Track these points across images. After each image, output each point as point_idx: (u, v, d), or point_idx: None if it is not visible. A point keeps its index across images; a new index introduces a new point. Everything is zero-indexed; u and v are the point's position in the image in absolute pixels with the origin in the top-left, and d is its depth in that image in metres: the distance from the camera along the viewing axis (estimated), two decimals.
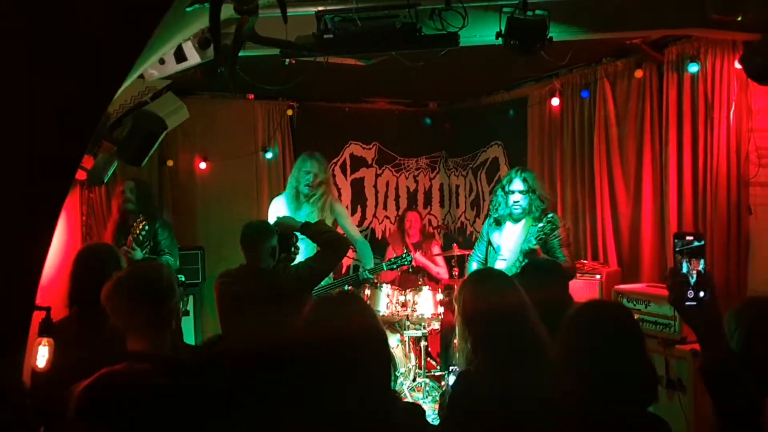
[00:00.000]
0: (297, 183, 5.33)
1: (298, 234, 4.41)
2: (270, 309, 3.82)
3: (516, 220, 4.87)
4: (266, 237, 4.08)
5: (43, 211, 1.54)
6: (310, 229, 4.37)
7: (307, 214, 5.18)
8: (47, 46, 1.47)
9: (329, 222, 5.26)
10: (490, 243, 5.02)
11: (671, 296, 1.80)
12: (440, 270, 6.85)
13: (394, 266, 5.69)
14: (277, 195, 5.72)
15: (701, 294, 1.77)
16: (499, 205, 4.92)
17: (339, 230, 5.39)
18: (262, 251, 4.04)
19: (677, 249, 1.81)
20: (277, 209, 5.35)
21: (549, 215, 4.69)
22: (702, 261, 1.79)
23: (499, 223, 4.97)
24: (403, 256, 5.70)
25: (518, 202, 4.81)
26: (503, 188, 4.91)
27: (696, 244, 1.79)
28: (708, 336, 1.82)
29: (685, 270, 1.78)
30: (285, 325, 3.81)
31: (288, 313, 3.86)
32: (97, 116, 1.55)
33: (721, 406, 1.81)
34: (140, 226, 4.68)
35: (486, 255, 5.07)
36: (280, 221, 4.45)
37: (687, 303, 1.78)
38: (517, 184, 4.82)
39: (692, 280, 1.78)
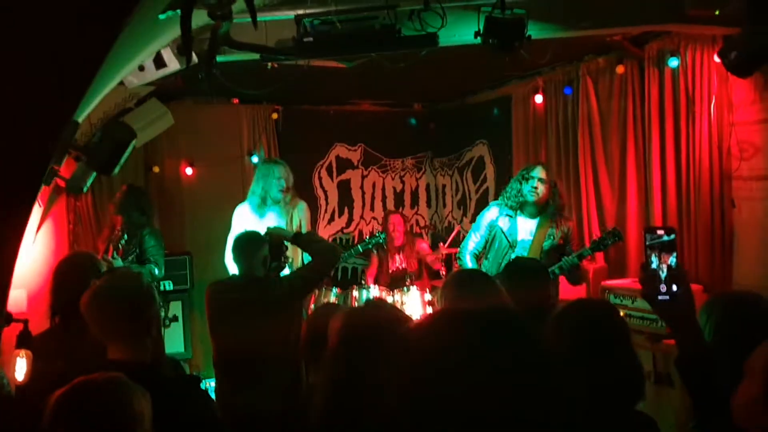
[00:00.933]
0: (265, 190, 5.28)
1: (287, 243, 4.41)
2: (262, 317, 3.82)
3: (531, 214, 4.80)
4: (258, 246, 4.08)
5: (7, 220, 1.52)
6: (301, 239, 4.37)
7: (274, 218, 5.22)
8: (6, 50, 1.45)
9: (296, 224, 5.28)
10: (502, 233, 4.82)
11: (643, 291, 1.81)
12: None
13: (370, 246, 5.90)
14: None
15: (674, 288, 1.78)
16: (517, 191, 4.79)
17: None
18: (255, 260, 4.04)
19: (647, 243, 1.81)
20: (241, 216, 5.35)
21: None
22: (673, 255, 1.79)
23: (513, 212, 4.83)
24: (376, 235, 5.89)
25: (537, 188, 4.72)
26: (522, 176, 4.82)
27: (666, 238, 1.80)
28: (682, 330, 1.83)
29: (654, 265, 1.79)
30: (277, 334, 3.84)
31: (280, 322, 3.91)
32: (62, 122, 1.54)
33: (697, 398, 1.82)
34: (120, 236, 4.68)
35: (485, 247, 4.93)
36: (271, 231, 4.45)
37: (660, 297, 1.79)
38: (539, 172, 4.77)
39: (663, 275, 1.78)
